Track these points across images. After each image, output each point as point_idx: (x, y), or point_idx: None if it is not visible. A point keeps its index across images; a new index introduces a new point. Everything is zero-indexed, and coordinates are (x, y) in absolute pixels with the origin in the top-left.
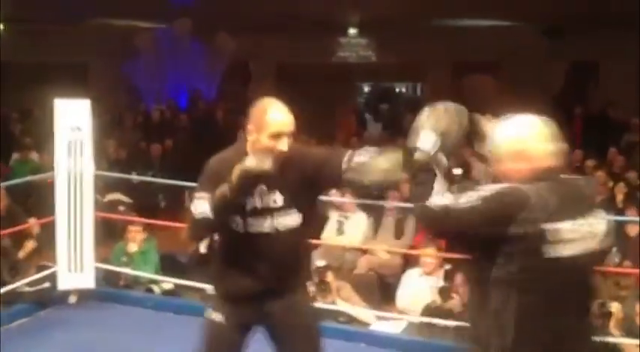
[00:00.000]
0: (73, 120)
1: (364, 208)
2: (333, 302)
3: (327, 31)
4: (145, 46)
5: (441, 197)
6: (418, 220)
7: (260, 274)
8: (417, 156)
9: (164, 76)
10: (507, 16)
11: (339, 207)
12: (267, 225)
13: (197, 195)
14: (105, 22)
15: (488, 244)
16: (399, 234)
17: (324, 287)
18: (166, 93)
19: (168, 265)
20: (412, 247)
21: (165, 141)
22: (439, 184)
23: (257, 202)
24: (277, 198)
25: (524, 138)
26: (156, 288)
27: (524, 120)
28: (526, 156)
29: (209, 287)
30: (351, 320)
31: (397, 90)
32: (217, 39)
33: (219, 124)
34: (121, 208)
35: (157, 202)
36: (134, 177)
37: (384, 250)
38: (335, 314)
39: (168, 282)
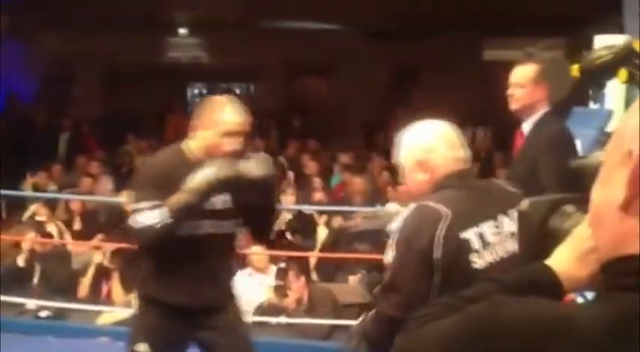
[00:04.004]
0: None
1: None
2: None
3: (156, 30)
4: None
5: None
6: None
7: (194, 278)
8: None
9: None
10: (336, 20)
11: None
12: (208, 226)
13: (139, 205)
14: None
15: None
16: None
17: None
18: None
19: None
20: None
21: None
22: None
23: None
24: (226, 199)
25: (425, 146)
26: None
27: (423, 127)
28: (429, 166)
29: (29, 302)
30: None
31: (230, 91)
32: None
33: (38, 128)
34: None
35: None
36: None
37: None
38: None
39: None
